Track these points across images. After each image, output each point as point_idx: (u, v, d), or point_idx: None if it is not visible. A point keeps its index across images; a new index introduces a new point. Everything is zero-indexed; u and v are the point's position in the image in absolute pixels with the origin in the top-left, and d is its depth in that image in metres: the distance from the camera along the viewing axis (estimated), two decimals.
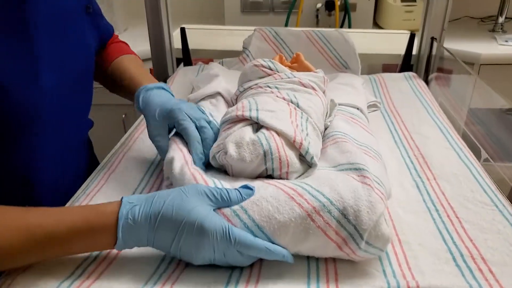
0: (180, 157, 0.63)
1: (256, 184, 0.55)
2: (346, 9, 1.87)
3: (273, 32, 1.12)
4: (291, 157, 0.59)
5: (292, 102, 0.71)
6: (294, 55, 0.88)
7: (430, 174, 0.71)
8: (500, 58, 1.59)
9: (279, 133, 0.60)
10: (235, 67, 1.12)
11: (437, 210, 0.63)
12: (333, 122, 0.76)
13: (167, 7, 1.18)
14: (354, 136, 0.69)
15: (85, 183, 0.72)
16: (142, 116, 0.92)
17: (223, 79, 0.94)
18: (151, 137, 0.71)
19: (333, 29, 1.11)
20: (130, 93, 0.77)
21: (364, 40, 1.45)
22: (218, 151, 0.62)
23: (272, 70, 0.80)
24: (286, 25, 1.90)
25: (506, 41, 1.70)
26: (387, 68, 1.37)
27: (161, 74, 1.25)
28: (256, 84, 0.80)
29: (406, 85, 1.07)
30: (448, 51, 1.07)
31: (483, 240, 0.56)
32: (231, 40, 1.38)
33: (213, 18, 2.08)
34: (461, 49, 1.58)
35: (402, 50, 1.25)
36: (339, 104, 0.82)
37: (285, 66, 0.85)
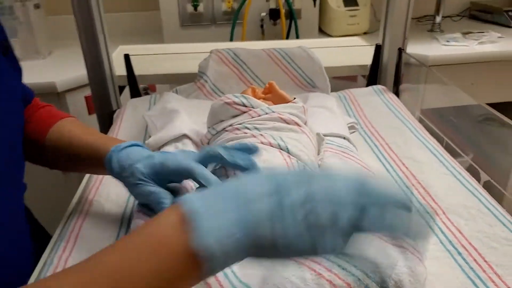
0: None
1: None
2: (292, 16, 1.81)
3: (232, 53, 1.01)
4: None
5: (281, 147, 0.61)
6: (267, 85, 0.78)
7: (437, 207, 0.64)
8: (447, 58, 1.61)
9: None
10: (193, 95, 1.00)
11: (460, 254, 0.56)
12: (325, 161, 0.67)
13: (103, 26, 1.02)
14: None
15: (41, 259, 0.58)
16: (88, 175, 0.77)
17: (186, 115, 0.82)
18: (143, 200, 0.55)
19: (296, 46, 1.03)
20: (91, 164, 0.61)
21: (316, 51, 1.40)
22: None
23: (246, 106, 0.70)
24: (231, 38, 1.80)
25: (448, 41, 1.74)
26: (346, 79, 1.33)
27: (104, 107, 1.09)
28: (231, 125, 0.69)
29: (378, 100, 1.01)
30: (416, 59, 1.03)
31: None
32: (174, 61, 1.26)
33: (150, 34, 1.92)
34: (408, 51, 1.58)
35: (360, 60, 1.21)
36: (323, 135, 0.74)
37: (259, 98, 0.75)
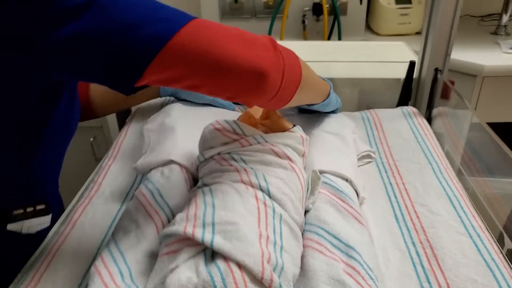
0: None
1: None
2: (335, 13, 1.69)
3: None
4: None
5: (261, 188, 0.55)
6: (265, 110, 0.71)
7: (442, 279, 0.56)
8: (505, 70, 1.43)
9: (241, 265, 0.44)
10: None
11: None
12: (318, 207, 0.60)
13: None
14: (344, 237, 0.55)
15: None
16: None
17: (181, 134, 0.77)
18: None
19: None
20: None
21: (354, 55, 1.28)
22: None
23: (237, 134, 0.65)
24: (270, 31, 1.72)
25: (511, 48, 1.54)
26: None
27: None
28: (219, 154, 0.64)
29: (405, 126, 0.91)
30: (456, 91, 0.90)
31: None
32: None
33: None
34: (462, 59, 1.42)
35: (397, 72, 1.09)
36: (324, 173, 0.67)
37: (254, 124, 0.69)
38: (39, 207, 0.66)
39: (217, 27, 0.50)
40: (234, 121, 0.67)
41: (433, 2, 0.91)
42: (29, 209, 0.64)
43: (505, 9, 1.67)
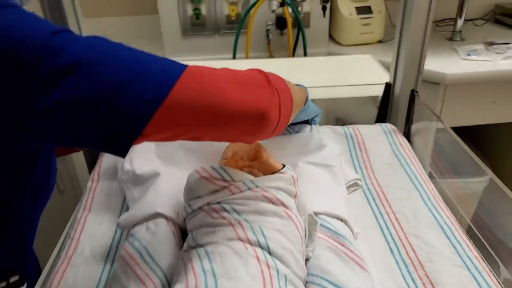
0: None
1: None
2: (299, 26, 1.69)
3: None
4: None
5: (260, 245, 0.53)
6: (253, 151, 0.69)
7: None
8: (467, 77, 1.48)
9: None
10: None
11: None
12: (318, 255, 0.58)
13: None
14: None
15: None
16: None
17: (166, 180, 0.73)
18: None
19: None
20: None
21: (322, 74, 1.28)
22: None
23: (226, 180, 0.62)
24: (235, 46, 1.69)
25: (469, 54, 1.60)
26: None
27: None
28: (208, 204, 0.61)
29: (386, 146, 0.91)
30: (432, 111, 0.91)
31: None
32: None
33: (150, 38, 1.82)
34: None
35: (371, 88, 1.10)
36: (319, 214, 0.65)
37: (242, 167, 0.67)
38: (12, 279, 0.60)
39: (210, 74, 0.48)
40: (221, 167, 0.64)
41: (403, 23, 0.92)
42: (2, 285, 0.58)
43: (459, 14, 1.73)
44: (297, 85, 0.73)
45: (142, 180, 0.74)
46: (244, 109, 0.48)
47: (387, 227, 0.72)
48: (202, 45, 1.74)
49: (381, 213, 0.75)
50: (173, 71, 0.46)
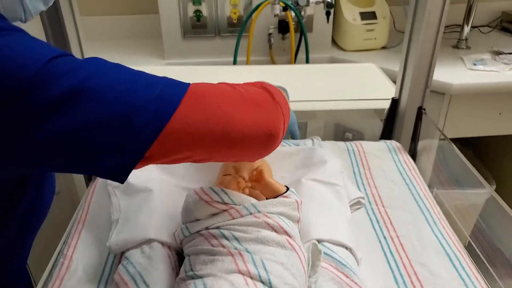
0: None
1: None
2: (302, 30, 1.65)
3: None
4: None
5: (262, 280, 0.50)
6: (255, 172, 0.66)
7: None
8: (473, 87, 1.45)
9: None
10: None
11: None
12: (321, 287, 0.55)
13: (78, 33, 0.90)
14: None
15: None
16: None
17: (159, 197, 0.70)
18: None
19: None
20: None
21: (325, 83, 1.25)
22: None
23: (226, 203, 0.59)
24: (236, 50, 1.66)
25: (475, 63, 1.57)
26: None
27: None
28: (206, 229, 0.58)
29: (391, 164, 0.88)
30: (440, 131, 0.89)
31: None
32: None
33: (150, 38, 1.78)
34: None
35: (377, 96, 1.07)
36: (322, 241, 0.62)
37: (243, 189, 0.64)
38: None
39: (213, 94, 0.46)
40: (222, 189, 0.61)
41: (411, 36, 0.89)
42: None
43: (466, 20, 1.69)
44: (279, 87, 0.70)
45: (132, 192, 0.71)
46: (255, 132, 0.47)
47: (391, 252, 0.69)
48: (203, 48, 1.71)
49: (385, 237, 0.72)
50: (174, 94, 0.44)
